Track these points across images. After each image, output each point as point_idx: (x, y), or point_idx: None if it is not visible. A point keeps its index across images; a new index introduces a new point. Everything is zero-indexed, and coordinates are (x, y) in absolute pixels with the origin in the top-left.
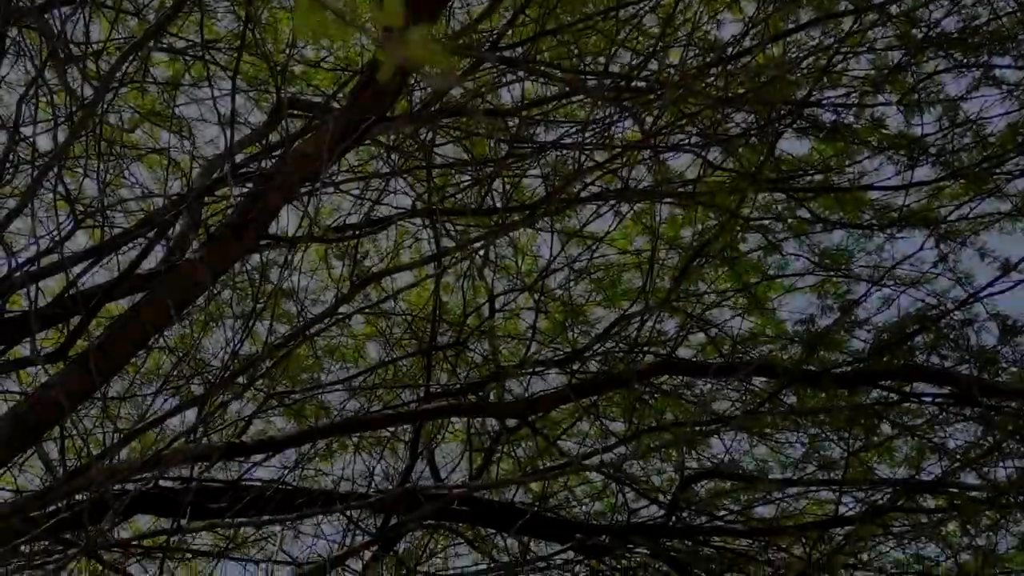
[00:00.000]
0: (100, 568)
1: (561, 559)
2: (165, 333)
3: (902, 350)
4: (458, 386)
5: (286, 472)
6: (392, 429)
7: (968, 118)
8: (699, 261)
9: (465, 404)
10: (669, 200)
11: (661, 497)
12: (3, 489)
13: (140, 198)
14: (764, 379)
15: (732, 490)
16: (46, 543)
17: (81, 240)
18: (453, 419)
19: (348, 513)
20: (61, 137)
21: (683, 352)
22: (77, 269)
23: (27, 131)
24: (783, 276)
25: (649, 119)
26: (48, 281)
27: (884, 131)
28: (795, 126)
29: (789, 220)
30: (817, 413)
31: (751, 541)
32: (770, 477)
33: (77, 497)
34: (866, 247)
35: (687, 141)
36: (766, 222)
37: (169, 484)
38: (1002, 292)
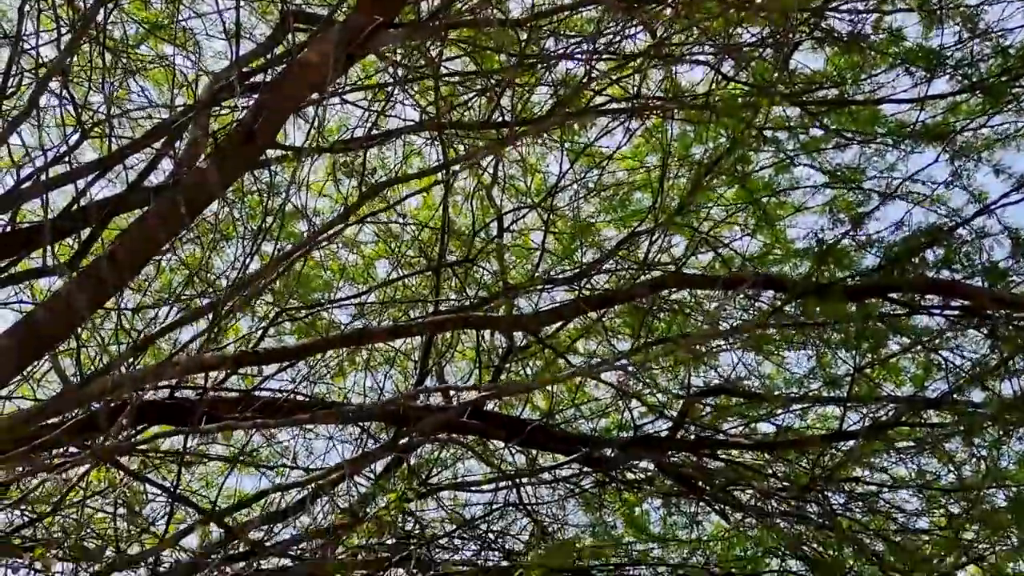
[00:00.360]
0: (117, 474)
1: (568, 470)
2: (176, 249)
3: (913, 264)
4: (467, 302)
5: (299, 381)
6: (402, 346)
7: (988, 28)
8: (710, 176)
9: (474, 316)
10: (680, 116)
11: (667, 412)
12: (22, 398)
13: (146, 107)
14: (773, 293)
15: (738, 405)
16: (63, 448)
17: (89, 154)
18: (463, 338)
19: (361, 424)
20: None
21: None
22: (87, 180)
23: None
24: (795, 188)
25: (661, 29)
26: (54, 198)
27: (902, 42)
28: (811, 36)
29: (802, 135)
30: (825, 325)
31: (756, 455)
32: (776, 393)
33: (92, 405)
34: (879, 165)
35: (700, 52)
36: (779, 136)
37: (183, 396)
38: (1015, 203)
